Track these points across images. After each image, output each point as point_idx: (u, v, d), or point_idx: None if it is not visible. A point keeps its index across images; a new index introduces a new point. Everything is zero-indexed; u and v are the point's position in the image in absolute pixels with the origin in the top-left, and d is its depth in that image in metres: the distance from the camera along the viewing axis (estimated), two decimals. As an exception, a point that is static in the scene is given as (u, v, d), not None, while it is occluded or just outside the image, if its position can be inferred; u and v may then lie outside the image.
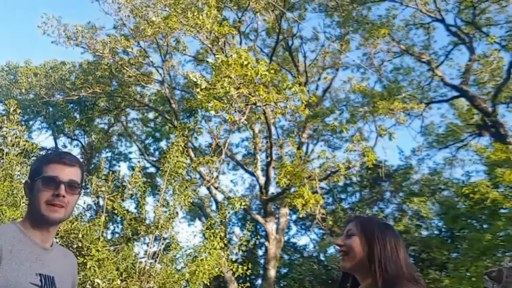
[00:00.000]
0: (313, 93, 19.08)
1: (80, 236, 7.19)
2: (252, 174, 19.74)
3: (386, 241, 1.98)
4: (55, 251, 2.04)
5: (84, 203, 17.04)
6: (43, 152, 20.99)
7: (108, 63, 16.84)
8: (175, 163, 9.20)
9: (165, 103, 18.90)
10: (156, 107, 19.55)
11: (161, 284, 8.11)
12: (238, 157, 21.71)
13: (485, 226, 14.04)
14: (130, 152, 22.41)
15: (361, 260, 1.97)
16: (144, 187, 9.35)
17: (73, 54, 55.06)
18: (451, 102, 18.09)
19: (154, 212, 8.96)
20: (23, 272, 1.81)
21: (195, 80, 13.33)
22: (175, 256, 8.88)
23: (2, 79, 19.15)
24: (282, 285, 21.36)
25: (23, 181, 7.97)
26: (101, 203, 10.98)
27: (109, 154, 22.16)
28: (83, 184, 2.09)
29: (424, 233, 18.26)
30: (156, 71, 18.29)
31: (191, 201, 9.51)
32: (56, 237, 6.68)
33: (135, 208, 11.62)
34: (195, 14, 13.47)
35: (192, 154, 16.78)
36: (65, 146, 21.56)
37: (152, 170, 20.59)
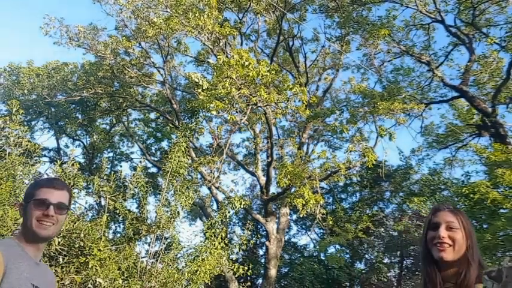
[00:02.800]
0: (314, 93, 19.17)
1: (82, 235, 7.23)
2: (253, 174, 19.80)
3: (473, 233, 2.13)
4: (42, 267, 2.31)
5: (86, 202, 17.14)
6: (45, 152, 21.14)
7: (109, 64, 16.90)
8: (177, 163, 9.25)
9: (167, 103, 18.97)
10: (157, 108, 19.62)
11: (162, 284, 8.15)
12: (239, 157, 21.80)
13: (485, 226, 14.05)
14: (132, 152, 22.51)
15: (464, 253, 2.07)
16: (146, 187, 9.38)
17: (75, 55, 55.23)
18: (450, 103, 18.12)
19: (155, 211, 9.00)
20: (21, 282, 2.07)
21: (196, 80, 13.39)
22: (176, 256, 8.91)
23: (4, 80, 19.25)
24: (282, 284, 21.42)
25: (26, 182, 8.08)
26: (103, 202, 11.03)
27: (111, 154, 22.25)
28: (71, 204, 2.41)
29: (424, 232, 18.26)
30: (157, 71, 18.37)
31: (192, 201, 9.56)
32: (58, 237, 6.77)
33: (137, 208, 11.66)
34: (196, 15, 13.52)
35: (193, 154, 16.85)
36: (67, 146, 21.67)
37: (154, 170, 20.67)
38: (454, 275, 2.06)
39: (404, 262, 20.77)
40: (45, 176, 9.88)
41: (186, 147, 10.39)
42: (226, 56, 13.68)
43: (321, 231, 21.27)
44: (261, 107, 14.08)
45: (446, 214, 2.15)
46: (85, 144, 21.54)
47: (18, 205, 2.25)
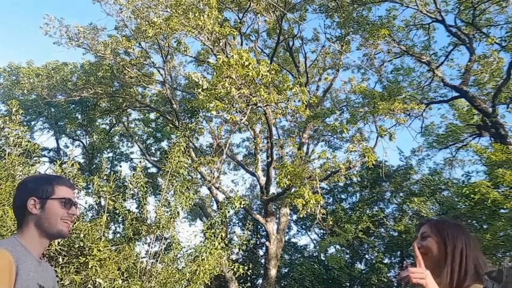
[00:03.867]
0: (314, 93, 19.16)
1: (82, 235, 7.21)
2: (253, 174, 19.78)
3: (458, 241, 2.10)
4: (44, 264, 2.26)
5: (86, 203, 17.13)
6: (45, 153, 21.13)
7: (109, 64, 16.89)
8: (177, 163, 9.24)
9: (166, 104, 18.96)
10: (157, 108, 19.60)
11: (162, 284, 8.14)
12: (239, 157, 21.79)
13: (485, 226, 14.05)
14: (131, 152, 22.50)
15: (438, 259, 2.09)
16: (146, 187, 9.36)
17: (75, 55, 55.36)
18: (451, 103, 18.11)
19: (155, 212, 8.99)
20: (29, 282, 2.04)
21: (196, 80, 13.37)
22: (176, 256, 8.89)
23: (4, 80, 19.25)
24: (282, 284, 21.40)
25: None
26: (103, 203, 11.01)
27: (110, 154, 22.24)
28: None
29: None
30: (157, 71, 18.37)
31: (192, 201, 9.54)
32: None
33: (137, 208, 11.64)
34: (196, 15, 13.50)
35: (193, 154, 16.83)
36: (66, 146, 21.67)
37: (153, 170, 20.66)
38: (439, 283, 2.05)
39: (405, 262, 20.72)
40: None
41: (186, 147, 10.38)
42: (226, 56, 13.66)
43: (321, 231, 21.28)
44: (261, 107, 14.06)
45: (423, 226, 2.22)
46: (85, 144, 21.53)
47: (29, 200, 2.16)
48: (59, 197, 2.20)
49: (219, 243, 8.87)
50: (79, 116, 19.87)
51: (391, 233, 20.25)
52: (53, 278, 2.34)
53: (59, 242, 6.88)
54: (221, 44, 15.66)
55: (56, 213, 2.18)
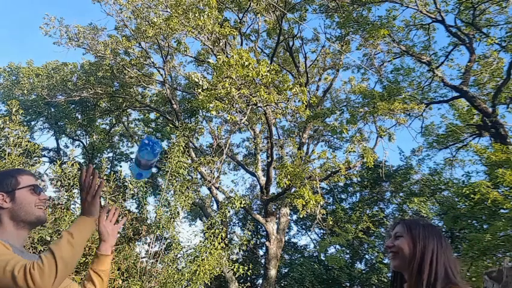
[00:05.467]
0: (314, 93, 19.16)
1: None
2: (253, 174, 19.78)
3: (429, 242, 2.09)
4: (27, 252, 2.26)
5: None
6: (45, 153, 21.13)
7: (109, 64, 16.89)
8: (177, 163, 9.24)
9: (166, 104, 18.95)
10: (157, 108, 19.60)
11: (162, 284, 8.14)
12: (239, 157, 21.78)
13: (485, 226, 14.06)
14: (131, 153, 22.46)
15: (409, 259, 2.09)
16: (145, 187, 9.37)
17: (75, 55, 55.32)
18: (451, 103, 18.10)
19: (155, 212, 8.99)
20: None
21: (196, 80, 13.37)
22: (176, 256, 8.89)
23: (4, 80, 19.25)
24: (282, 284, 21.39)
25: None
26: (103, 203, 11.02)
27: (110, 154, 22.22)
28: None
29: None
30: (157, 71, 18.36)
31: (192, 201, 9.54)
32: (58, 237, 6.75)
33: (137, 208, 11.66)
34: (196, 15, 13.51)
35: (193, 154, 16.84)
36: (66, 146, 21.68)
37: (153, 170, 20.64)
38: (414, 284, 2.08)
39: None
40: (45, 177, 9.89)
41: (186, 147, 10.38)
42: (226, 56, 13.66)
43: (321, 231, 21.28)
44: (261, 107, 14.07)
45: (397, 226, 2.23)
46: (85, 144, 21.53)
47: (0, 195, 2.16)
48: (25, 185, 2.22)
49: (219, 243, 8.87)
50: (79, 116, 19.86)
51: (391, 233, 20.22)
52: None
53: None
54: (221, 44, 15.67)
55: (28, 201, 2.20)
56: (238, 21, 17.38)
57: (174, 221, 8.82)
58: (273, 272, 17.00)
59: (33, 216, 2.20)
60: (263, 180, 18.31)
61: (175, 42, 16.84)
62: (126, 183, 9.53)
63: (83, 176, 2.19)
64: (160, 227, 8.58)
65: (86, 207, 2.17)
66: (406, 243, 2.12)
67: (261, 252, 22.62)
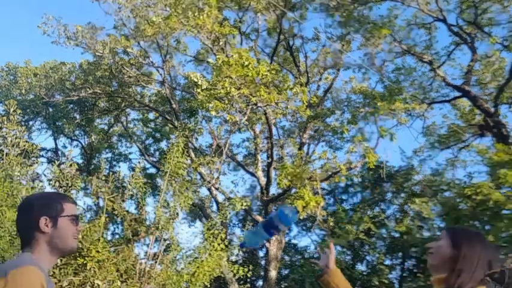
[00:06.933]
0: (314, 93, 19.03)
1: (80, 237, 7.13)
2: (253, 175, 19.67)
3: (470, 247, 2.14)
4: (51, 282, 2.27)
5: (84, 203, 17.05)
6: (43, 153, 21.02)
7: (108, 63, 16.80)
8: (176, 164, 9.16)
9: (166, 103, 18.83)
10: (156, 108, 19.48)
11: (161, 285, 8.08)
12: (239, 158, 21.64)
13: (487, 227, 13.97)
14: (130, 153, 22.35)
15: (444, 260, 2.16)
16: (145, 188, 9.29)
17: (73, 55, 55.06)
18: (452, 103, 18.02)
19: (154, 212, 8.94)
20: None
21: (195, 80, 13.30)
22: (175, 257, 8.83)
23: (2, 79, 19.14)
24: (282, 286, 21.31)
25: (23, 182, 7.96)
26: (101, 203, 10.92)
27: (109, 155, 22.11)
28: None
29: (426, 234, 18.16)
30: (156, 71, 18.25)
31: (191, 202, 9.45)
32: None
33: (136, 209, 11.57)
34: (196, 14, 13.44)
35: (192, 155, 16.73)
36: (65, 147, 21.55)
37: (152, 170, 20.51)
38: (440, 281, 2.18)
39: (406, 264, 20.67)
40: (43, 177, 9.79)
41: (185, 147, 10.29)
42: (226, 56, 13.58)
43: (322, 232, 21.16)
44: (261, 107, 14.00)
45: (443, 231, 2.32)
46: (83, 144, 21.42)
47: (42, 219, 2.17)
48: (68, 214, 2.23)
49: (219, 245, 8.80)
50: (77, 116, 19.74)
51: (393, 234, 20.16)
52: None
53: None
54: (221, 43, 15.58)
55: (68, 231, 2.22)
56: (238, 20, 17.30)
57: (173, 221, 8.74)
58: (273, 274, 16.92)
59: (69, 246, 2.24)
60: (263, 180, 18.21)
61: (174, 41, 16.77)
62: (125, 184, 9.45)
63: None
64: (160, 228, 8.50)
65: None
66: (445, 244, 2.19)
67: (261, 254, 22.50)
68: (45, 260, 2.15)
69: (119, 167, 22.08)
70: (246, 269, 9.72)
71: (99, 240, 7.42)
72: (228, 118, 14.23)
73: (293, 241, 23.82)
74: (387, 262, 20.62)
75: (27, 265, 2.01)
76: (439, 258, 2.19)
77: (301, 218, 17.61)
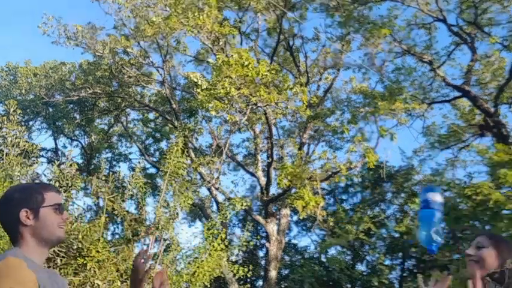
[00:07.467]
0: (314, 93, 19.03)
1: (80, 237, 7.14)
2: (253, 175, 19.67)
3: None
4: (52, 274, 2.25)
5: (84, 203, 17.03)
6: (43, 153, 21.03)
7: (108, 63, 16.81)
8: (176, 164, 9.15)
9: (166, 103, 18.84)
10: (156, 108, 19.49)
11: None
12: (239, 158, 21.63)
13: (487, 227, 13.97)
14: (130, 153, 22.36)
15: (488, 271, 2.18)
16: (145, 188, 9.29)
17: (73, 55, 54.95)
18: (452, 103, 18.00)
19: (154, 213, 8.92)
20: None
21: (195, 80, 13.30)
22: (175, 257, 8.82)
23: (2, 79, 19.14)
24: (282, 286, 21.30)
25: (24, 182, 7.96)
26: (101, 203, 10.92)
27: (109, 155, 22.11)
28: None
29: (426, 234, 18.16)
30: (156, 71, 18.26)
31: (191, 202, 9.45)
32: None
33: (135, 209, 11.56)
34: (196, 14, 13.44)
35: (192, 155, 16.73)
36: (65, 147, 21.56)
37: (152, 170, 20.52)
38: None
39: (406, 264, 20.69)
40: (43, 177, 9.79)
41: (185, 147, 10.30)
42: (226, 56, 13.59)
43: (322, 232, 21.17)
44: (261, 107, 14.00)
45: (479, 237, 2.32)
46: (83, 144, 21.43)
47: (23, 212, 2.11)
48: (50, 204, 2.17)
49: (219, 245, 8.79)
50: (77, 116, 19.74)
51: (393, 234, 20.18)
52: (64, 286, 2.30)
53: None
54: (221, 43, 15.58)
55: (52, 221, 2.16)
56: (238, 20, 17.30)
57: (173, 222, 8.74)
58: (273, 274, 16.92)
59: (55, 236, 2.18)
60: (263, 180, 18.21)
61: (174, 41, 16.76)
62: (124, 184, 9.45)
63: (137, 259, 2.46)
64: (160, 228, 8.50)
65: (133, 287, 2.43)
66: (490, 254, 2.19)
67: (261, 254, 22.51)
68: (34, 252, 2.11)
69: (119, 167, 22.10)
70: (246, 269, 9.72)
71: (99, 240, 7.41)
72: (228, 118, 14.24)
73: (293, 241, 23.84)
74: (387, 262, 20.64)
75: (8, 256, 1.99)
76: (483, 269, 2.18)
77: (301, 218, 17.63)
